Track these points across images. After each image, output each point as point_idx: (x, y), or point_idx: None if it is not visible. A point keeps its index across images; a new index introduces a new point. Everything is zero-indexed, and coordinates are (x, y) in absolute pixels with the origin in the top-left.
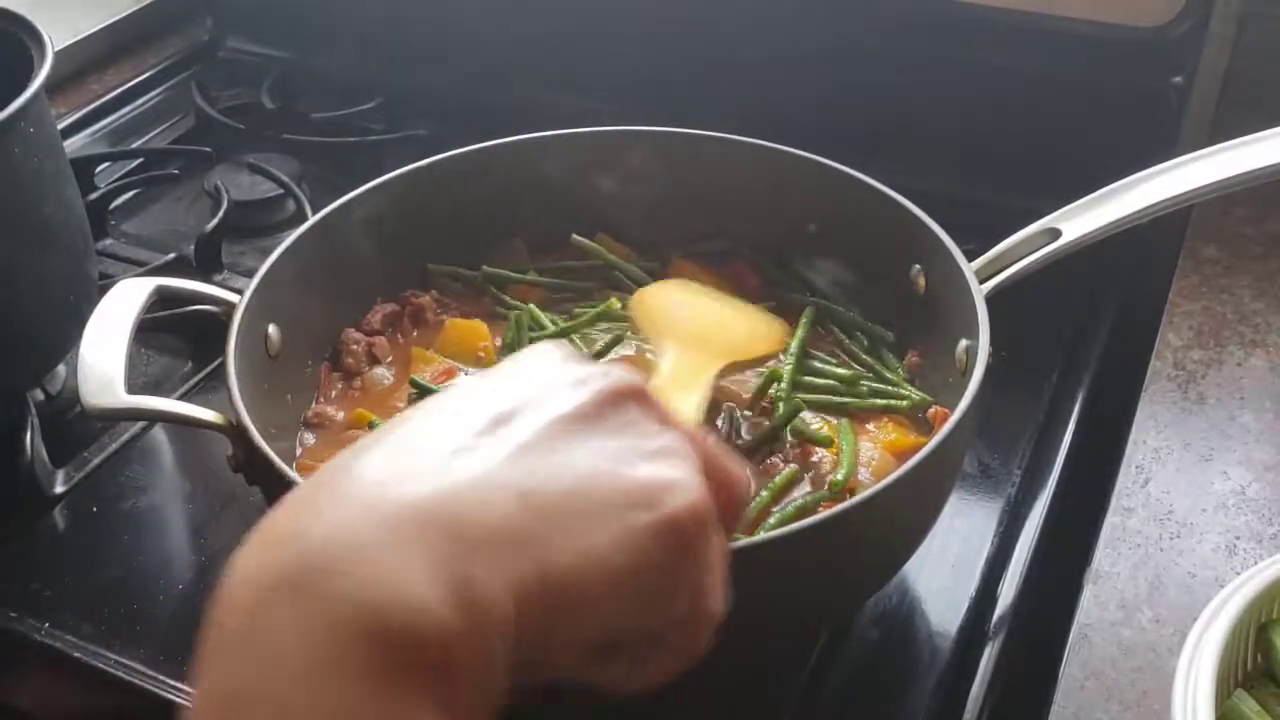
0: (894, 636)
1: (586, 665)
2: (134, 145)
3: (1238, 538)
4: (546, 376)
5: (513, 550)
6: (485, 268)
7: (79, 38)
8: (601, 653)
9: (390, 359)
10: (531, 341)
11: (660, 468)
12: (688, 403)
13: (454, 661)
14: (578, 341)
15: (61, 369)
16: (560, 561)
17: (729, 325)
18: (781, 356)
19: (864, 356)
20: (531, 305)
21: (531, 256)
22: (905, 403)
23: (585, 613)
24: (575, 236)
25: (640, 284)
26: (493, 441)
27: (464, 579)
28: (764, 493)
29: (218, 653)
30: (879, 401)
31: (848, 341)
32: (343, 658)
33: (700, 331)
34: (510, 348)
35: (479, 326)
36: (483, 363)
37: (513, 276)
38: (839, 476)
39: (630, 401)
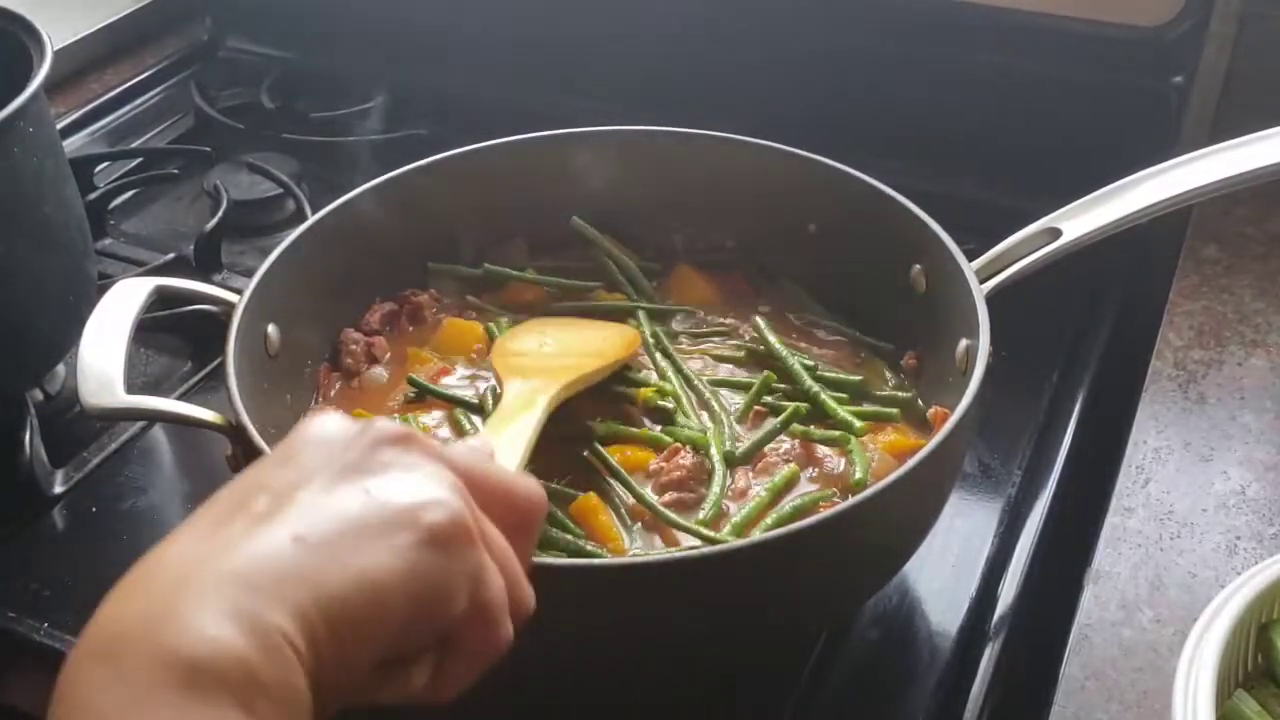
0: (894, 636)
1: (389, 682)
2: (133, 145)
3: (1238, 537)
4: (320, 441)
5: (290, 585)
6: (487, 265)
7: (78, 37)
8: (399, 667)
9: (389, 357)
10: None
11: (417, 492)
12: (514, 429)
13: (255, 683)
14: None
15: (61, 369)
16: (332, 586)
17: (568, 350)
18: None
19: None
20: (504, 320)
21: (532, 255)
22: (896, 409)
23: (368, 626)
24: (576, 219)
25: (636, 284)
26: (278, 507)
27: (251, 615)
28: (763, 493)
29: None
30: (869, 409)
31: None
32: (151, 696)
33: (540, 362)
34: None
35: (474, 327)
36: (475, 363)
37: (513, 275)
38: (857, 476)
39: (388, 446)
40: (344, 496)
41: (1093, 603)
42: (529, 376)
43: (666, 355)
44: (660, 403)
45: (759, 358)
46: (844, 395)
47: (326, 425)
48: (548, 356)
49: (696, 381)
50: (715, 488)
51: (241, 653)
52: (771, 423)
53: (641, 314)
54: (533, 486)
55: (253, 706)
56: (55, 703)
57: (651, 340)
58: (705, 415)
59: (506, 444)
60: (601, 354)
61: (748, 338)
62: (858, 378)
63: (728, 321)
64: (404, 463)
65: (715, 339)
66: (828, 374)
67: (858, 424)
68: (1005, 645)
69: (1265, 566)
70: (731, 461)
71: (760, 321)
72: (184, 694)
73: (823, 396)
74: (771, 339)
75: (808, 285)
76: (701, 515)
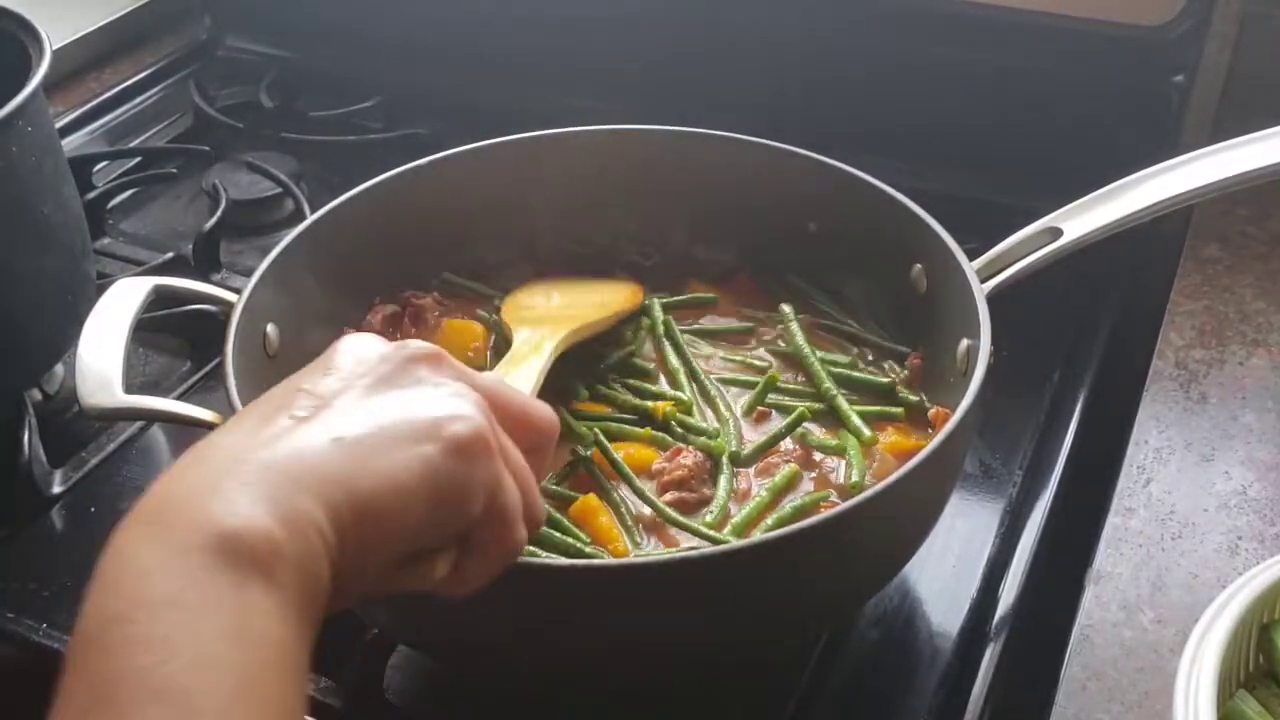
0: (895, 637)
1: (408, 571)
2: (132, 144)
3: (1240, 538)
4: (358, 356)
5: (325, 480)
6: (499, 305)
7: (77, 36)
8: (418, 559)
9: None
10: None
11: (444, 406)
12: (523, 371)
13: (280, 559)
14: None
15: (59, 369)
16: (363, 484)
17: (573, 302)
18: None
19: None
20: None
21: (537, 274)
22: (900, 409)
23: (391, 523)
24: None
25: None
26: (320, 409)
27: (287, 503)
28: (764, 493)
29: (92, 587)
30: (874, 408)
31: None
32: (186, 556)
33: (547, 313)
34: (497, 350)
35: (472, 327)
36: (471, 362)
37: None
38: (854, 479)
39: (421, 363)
40: (379, 405)
41: (1094, 603)
42: (536, 325)
43: (677, 347)
44: (680, 415)
45: (775, 355)
46: (855, 397)
47: (364, 342)
48: (554, 308)
49: (704, 379)
50: (722, 491)
51: (272, 532)
52: (777, 426)
53: (656, 306)
54: (546, 410)
55: (273, 578)
56: (102, 559)
57: (662, 331)
58: (710, 413)
59: (515, 383)
60: (605, 304)
61: (753, 344)
62: (886, 379)
63: (747, 322)
64: (434, 379)
65: (728, 338)
66: (857, 375)
67: (866, 433)
68: (1006, 646)
69: (1267, 567)
70: (736, 463)
71: (793, 326)
72: (216, 557)
73: (838, 401)
74: (799, 339)
75: (809, 284)
76: (709, 518)
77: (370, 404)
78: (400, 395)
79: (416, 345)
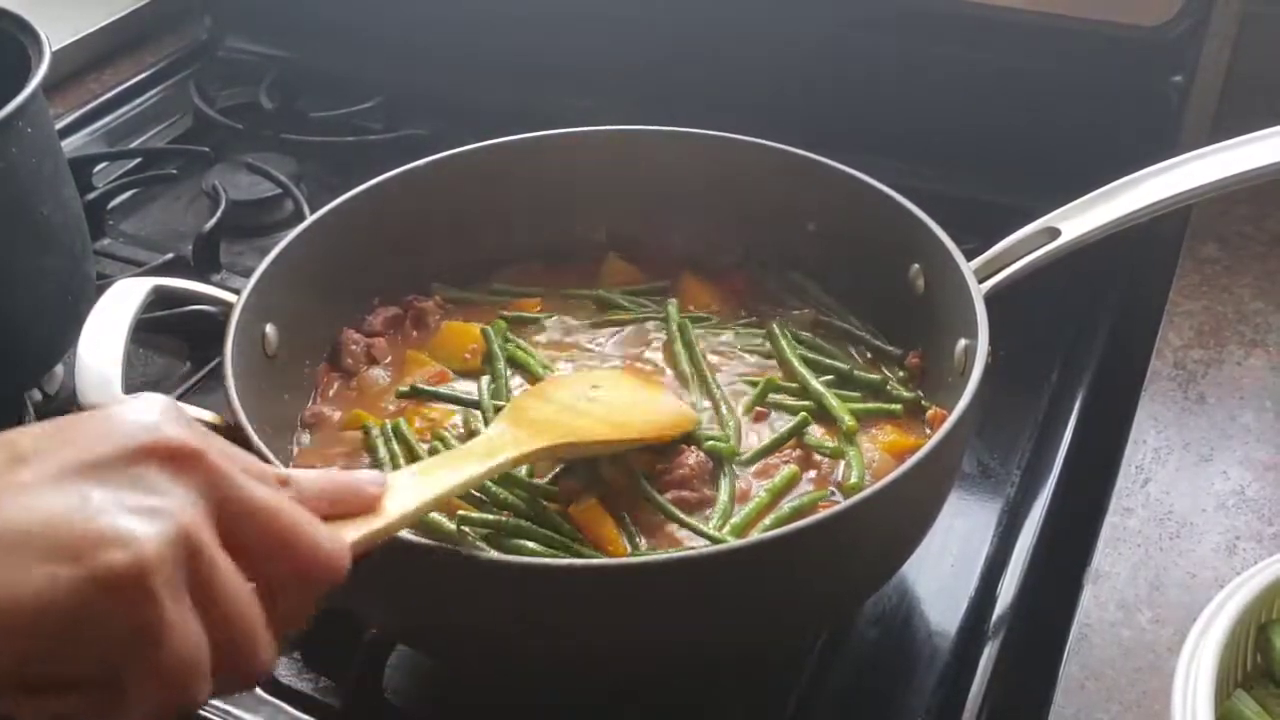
0: (894, 636)
1: (20, 698)
2: (132, 145)
3: (1238, 537)
4: (110, 425)
5: None
6: (495, 285)
7: (77, 37)
8: (29, 687)
9: (389, 359)
10: (509, 355)
11: (117, 524)
12: (441, 476)
13: None
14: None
15: (59, 369)
16: None
17: (594, 412)
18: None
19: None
20: (499, 322)
21: (545, 270)
22: (898, 405)
23: None
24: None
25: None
26: None
27: None
28: (763, 493)
29: None
30: (872, 404)
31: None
32: None
33: (549, 415)
34: (489, 358)
35: (470, 330)
36: (468, 364)
37: (525, 318)
38: (853, 480)
39: (156, 460)
40: (54, 496)
41: (1092, 603)
42: (518, 426)
43: (689, 350)
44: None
45: (773, 354)
46: (857, 394)
47: (139, 410)
48: (566, 411)
49: (710, 380)
50: (724, 495)
51: None
52: (775, 425)
53: (672, 308)
54: (334, 547)
55: None
56: None
57: (676, 332)
58: (714, 413)
59: (419, 486)
60: (619, 426)
61: (758, 342)
62: (878, 377)
63: (742, 323)
64: (152, 483)
65: (728, 336)
66: (861, 375)
67: (848, 421)
68: (1004, 645)
69: (1264, 566)
70: (736, 464)
71: (775, 328)
72: None
73: (827, 399)
74: (783, 345)
75: (808, 283)
76: (713, 523)
77: (46, 491)
78: (96, 491)
79: (172, 435)
